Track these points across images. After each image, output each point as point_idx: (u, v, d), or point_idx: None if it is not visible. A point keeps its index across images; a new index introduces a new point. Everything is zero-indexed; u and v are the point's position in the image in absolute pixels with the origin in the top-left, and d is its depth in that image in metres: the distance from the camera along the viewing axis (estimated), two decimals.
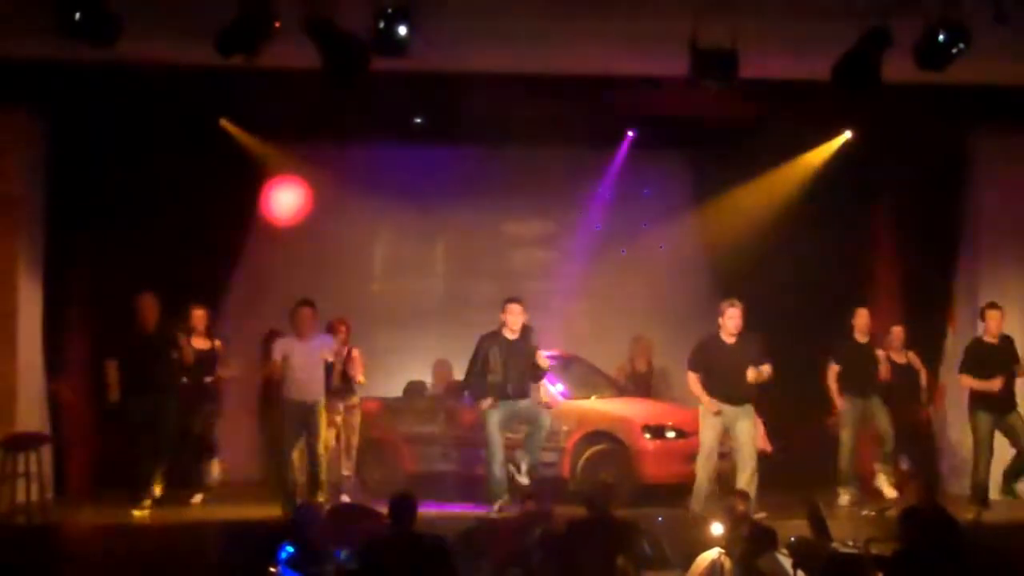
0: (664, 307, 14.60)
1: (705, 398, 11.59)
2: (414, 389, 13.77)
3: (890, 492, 12.27)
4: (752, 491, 11.16)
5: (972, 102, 12.08)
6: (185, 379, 12.20)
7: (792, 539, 9.37)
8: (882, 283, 14.29)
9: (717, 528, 9.47)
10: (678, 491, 12.55)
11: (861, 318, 12.57)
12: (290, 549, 8.72)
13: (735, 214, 14.20)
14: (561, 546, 9.06)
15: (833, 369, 12.52)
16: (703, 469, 11.61)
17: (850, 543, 9.43)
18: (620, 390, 13.74)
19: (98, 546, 10.37)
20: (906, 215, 14.07)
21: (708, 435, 11.63)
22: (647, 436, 12.53)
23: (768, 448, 12.10)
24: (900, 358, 12.71)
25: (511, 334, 11.87)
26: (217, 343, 12.66)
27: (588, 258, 14.83)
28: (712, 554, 9.15)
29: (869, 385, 12.50)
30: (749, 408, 11.63)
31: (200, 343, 12.47)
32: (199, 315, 12.55)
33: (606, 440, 12.59)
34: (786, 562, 9.05)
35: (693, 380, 11.73)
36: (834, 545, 9.38)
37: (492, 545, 9.40)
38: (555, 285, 14.68)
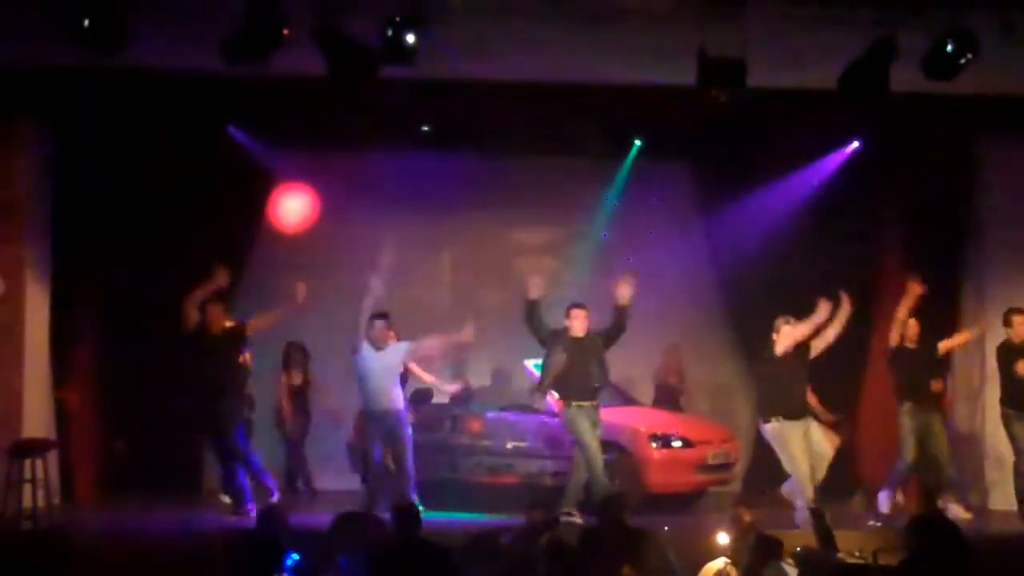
0: (671, 316, 14.58)
1: None
2: (420, 397, 13.75)
3: (964, 515, 12.04)
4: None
5: (980, 112, 12.08)
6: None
7: (798, 549, 9.35)
8: (890, 292, 14.25)
9: (723, 538, 9.45)
10: (684, 500, 12.57)
11: (912, 328, 12.45)
12: (295, 556, 8.70)
13: (742, 224, 14.18)
14: (567, 555, 9.04)
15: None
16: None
17: (856, 553, 9.43)
18: (627, 399, 13.74)
19: (104, 551, 10.38)
20: (914, 224, 14.05)
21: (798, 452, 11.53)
22: (654, 445, 12.53)
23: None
24: None
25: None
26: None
27: (595, 266, 14.81)
28: (718, 564, 9.14)
29: (928, 396, 12.40)
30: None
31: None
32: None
33: (613, 449, 12.57)
34: (792, 572, 9.03)
35: None
36: (840, 555, 9.38)
37: (498, 553, 9.39)
38: (562, 293, 14.64)
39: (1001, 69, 10.01)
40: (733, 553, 9.21)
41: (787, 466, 11.55)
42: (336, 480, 13.56)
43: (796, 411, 11.52)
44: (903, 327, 12.26)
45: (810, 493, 11.33)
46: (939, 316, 13.60)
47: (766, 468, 11.86)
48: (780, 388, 11.58)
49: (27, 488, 11.68)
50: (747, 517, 9.54)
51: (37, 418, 12.59)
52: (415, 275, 15.16)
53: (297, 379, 13.44)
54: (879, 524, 11.70)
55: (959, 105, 11.54)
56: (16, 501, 11.65)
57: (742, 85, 9.67)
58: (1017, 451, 12.09)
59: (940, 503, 12.18)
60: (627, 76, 11.43)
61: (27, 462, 11.68)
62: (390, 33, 9.16)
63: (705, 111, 10.94)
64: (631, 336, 14.44)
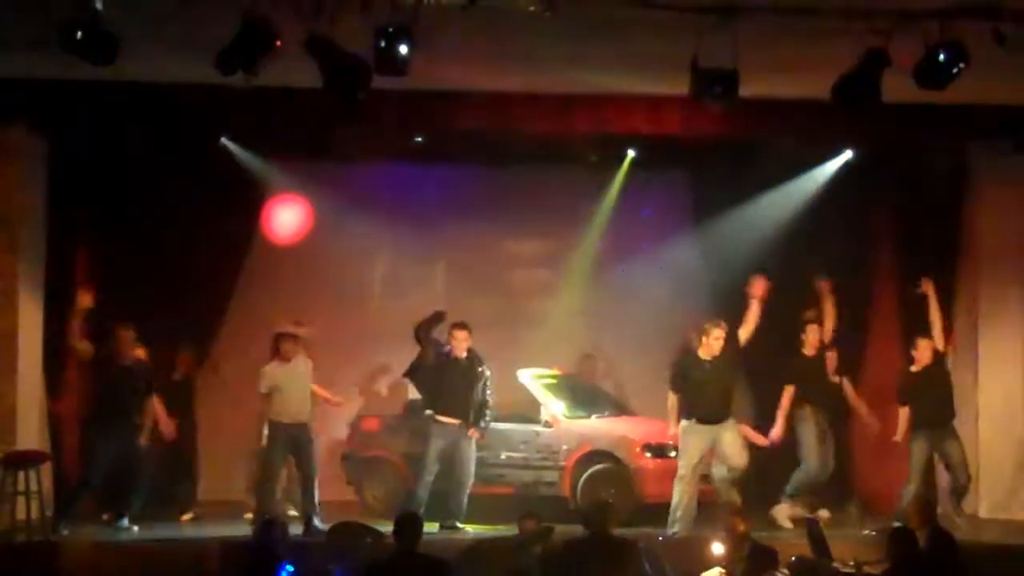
0: (663, 326, 14.57)
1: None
2: (414, 407, 13.74)
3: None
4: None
5: (972, 121, 12.10)
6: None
7: (793, 559, 9.38)
8: (881, 302, 14.28)
9: (718, 548, 9.46)
10: None
11: (811, 334, 12.69)
12: (290, 568, 8.70)
13: (735, 233, 14.19)
14: (560, 564, 9.04)
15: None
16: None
17: (851, 563, 9.44)
18: (620, 408, 13.74)
19: (96, 564, 10.37)
20: (906, 234, 14.06)
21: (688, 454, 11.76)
22: (647, 455, 12.53)
23: (762, 440, 12.09)
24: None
25: None
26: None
27: (588, 277, 14.82)
28: (713, 574, 9.15)
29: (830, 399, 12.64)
30: (731, 423, 11.83)
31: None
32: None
33: (606, 459, 12.57)
34: None
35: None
36: (835, 565, 9.39)
37: (492, 563, 9.39)
38: (555, 304, 14.67)
39: (993, 78, 10.02)
40: (728, 563, 9.23)
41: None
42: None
43: (706, 415, 11.69)
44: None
45: (677, 497, 11.60)
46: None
47: (758, 477, 11.89)
48: (693, 391, 11.79)
49: (21, 500, 11.66)
50: (742, 527, 9.55)
51: (31, 430, 12.55)
52: (408, 286, 15.16)
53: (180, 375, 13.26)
54: (873, 532, 11.69)
55: (951, 114, 11.57)
56: (10, 513, 11.63)
57: (735, 95, 9.68)
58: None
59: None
60: (621, 87, 11.44)
61: (21, 474, 11.66)
62: (383, 44, 9.16)
63: (699, 121, 10.96)
64: (622, 346, 14.53)
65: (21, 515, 11.64)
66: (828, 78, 9.67)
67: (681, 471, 11.69)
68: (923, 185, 13.60)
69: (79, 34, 8.87)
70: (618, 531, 9.71)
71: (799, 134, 12.57)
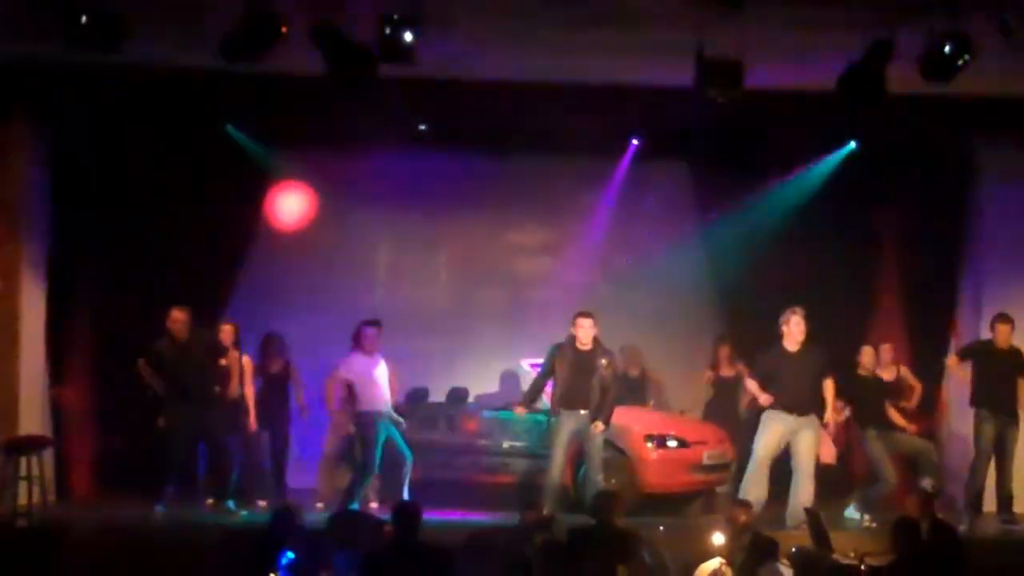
0: (667, 316, 14.57)
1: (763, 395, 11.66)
2: (416, 396, 13.74)
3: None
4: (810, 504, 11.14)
5: (977, 113, 12.08)
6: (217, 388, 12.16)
7: (793, 549, 9.40)
8: (886, 295, 14.27)
9: (718, 538, 9.47)
10: (680, 500, 12.57)
11: (867, 355, 12.45)
12: (290, 555, 8.72)
13: (738, 225, 14.18)
14: (562, 554, 9.05)
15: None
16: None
17: (851, 554, 9.45)
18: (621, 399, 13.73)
19: (99, 548, 10.39)
20: (910, 227, 14.05)
21: (764, 443, 11.59)
22: (649, 445, 12.51)
23: (832, 460, 11.96)
24: (888, 375, 12.69)
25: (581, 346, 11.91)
26: (245, 359, 12.51)
27: (591, 267, 14.81)
28: (713, 564, 9.15)
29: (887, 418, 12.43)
30: (813, 419, 11.65)
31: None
32: (227, 330, 12.47)
33: (608, 449, 12.56)
34: (787, 572, 9.07)
35: (752, 385, 11.91)
36: (835, 556, 9.40)
37: (493, 553, 9.39)
38: (558, 294, 14.64)
39: (998, 71, 10.03)
40: (729, 553, 9.23)
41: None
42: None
43: (790, 405, 11.57)
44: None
45: (748, 487, 11.45)
46: (936, 318, 13.66)
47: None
48: (778, 381, 11.65)
49: (23, 485, 11.69)
50: (743, 517, 9.56)
51: (33, 415, 12.59)
52: (411, 275, 15.17)
53: (275, 367, 13.21)
54: (874, 525, 11.70)
55: (956, 107, 11.56)
56: (11, 498, 11.66)
57: (739, 86, 9.67)
58: (978, 451, 12.10)
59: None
60: (625, 77, 11.44)
61: (23, 459, 11.69)
62: (387, 31, 9.16)
63: (703, 112, 10.94)
64: (626, 336, 14.51)
65: (23, 500, 11.67)
66: (833, 70, 9.67)
67: (755, 453, 11.64)
68: (928, 177, 13.60)
69: (83, 19, 8.88)
70: (619, 521, 9.71)
71: (803, 126, 12.56)
